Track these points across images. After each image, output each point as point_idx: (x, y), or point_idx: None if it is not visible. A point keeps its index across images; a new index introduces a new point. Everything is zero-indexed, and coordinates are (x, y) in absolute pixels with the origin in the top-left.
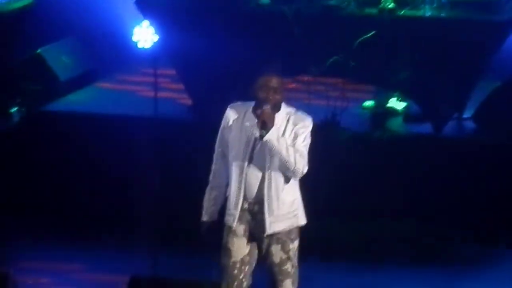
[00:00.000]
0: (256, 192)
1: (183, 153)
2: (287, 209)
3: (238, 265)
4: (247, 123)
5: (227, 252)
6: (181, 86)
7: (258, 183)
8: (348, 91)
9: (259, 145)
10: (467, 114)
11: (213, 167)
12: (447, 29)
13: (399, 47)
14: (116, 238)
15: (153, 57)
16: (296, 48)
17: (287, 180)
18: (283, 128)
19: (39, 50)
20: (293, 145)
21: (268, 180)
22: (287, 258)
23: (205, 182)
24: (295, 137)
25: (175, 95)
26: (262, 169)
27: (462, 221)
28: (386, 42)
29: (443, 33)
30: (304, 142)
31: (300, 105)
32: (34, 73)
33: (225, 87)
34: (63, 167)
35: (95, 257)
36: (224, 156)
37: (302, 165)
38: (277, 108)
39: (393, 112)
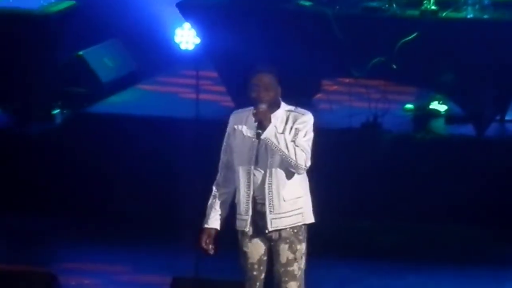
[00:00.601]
0: (262, 193)
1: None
2: (290, 207)
3: (256, 266)
4: (249, 127)
5: (244, 254)
6: (223, 88)
7: (262, 183)
8: (390, 93)
9: (262, 147)
10: (509, 116)
11: (218, 176)
12: (490, 31)
13: (441, 49)
14: (158, 239)
15: (195, 59)
16: (338, 49)
17: (289, 177)
18: (283, 126)
19: (81, 52)
20: (294, 140)
21: (269, 177)
22: (294, 258)
23: None
24: (296, 133)
25: (218, 98)
26: (264, 168)
27: (504, 223)
28: (428, 44)
29: (486, 34)
30: (305, 137)
31: (341, 107)
32: (76, 75)
33: None
34: (106, 168)
35: (138, 258)
36: (229, 165)
37: (303, 160)
38: (274, 106)
39: (435, 114)
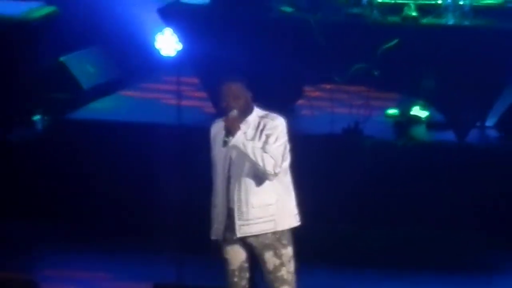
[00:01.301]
0: (233, 199)
1: (207, 161)
2: (260, 213)
3: (237, 273)
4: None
5: (225, 261)
6: (204, 94)
7: (233, 190)
8: (371, 99)
9: (234, 155)
10: (490, 122)
11: (213, 186)
12: (470, 37)
13: (422, 55)
14: (140, 245)
15: (177, 65)
16: (319, 56)
17: (259, 184)
18: (254, 132)
19: (62, 58)
20: (264, 146)
21: (238, 184)
22: (280, 264)
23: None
24: (266, 139)
25: (199, 103)
26: (236, 175)
27: (485, 228)
28: (409, 50)
29: (466, 41)
30: (275, 143)
31: (323, 113)
32: (58, 82)
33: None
34: (87, 174)
35: (119, 265)
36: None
37: (271, 166)
38: (247, 112)
39: (416, 120)
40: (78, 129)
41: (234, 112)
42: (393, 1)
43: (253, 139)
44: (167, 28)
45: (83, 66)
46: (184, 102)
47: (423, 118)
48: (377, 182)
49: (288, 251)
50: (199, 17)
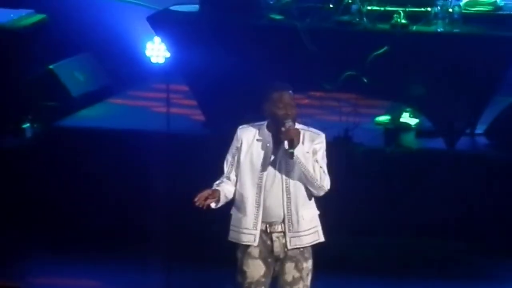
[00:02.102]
0: (276, 211)
1: (197, 168)
2: (307, 225)
3: (253, 286)
4: (265, 143)
5: (243, 273)
6: (194, 102)
7: (278, 203)
8: (361, 106)
9: (276, 165)
10: (479, 129)
11: (238, 191)
12: (460, 45)
13: (411, 62)
14: (129, 254)
15: (166, 73)
16: (309, 63)
17: (306, 196)
18: (301, 147)
19: (51, 66)
20: (315, 161)
21: (287, 196)
22: (299, 277)
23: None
24: (314, 153)
25: (188, 111)
26: (280, 186)
27: (474, 235)
28: (398, 57)
29: (456, 48)
30: (324, 158)
31: (313, 121)
32: (47, 89)
33: (238, 103)
34: (76, 182)
35: (108, 274)
36: (231, 178)
37: (327, 182)
38: (294, 124)
39: (406, 127)
40: (68, 136)
41: (290, 123)
42: (382, 9)
43: (303, 155)
44: (156, 36)
45: (72, 74)
46: (173, 110)
47: (413, 125)
48: (366, 190)
49: (308, 265)
50: (188, 24)
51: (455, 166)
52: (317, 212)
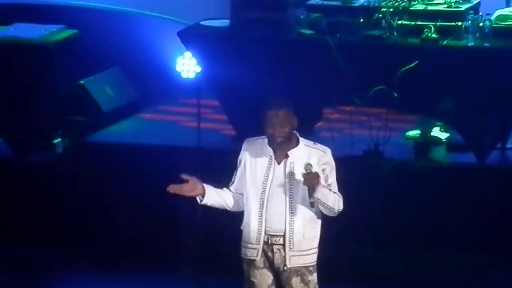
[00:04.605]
0: (278, 225)
1: (227, 183)
2: (308, 245)
3: None
4: (267, 158)
5: (251, 284)
6: (224, 116)
7: (279, 217)
8: (391, 121)
9: (279, 180)
10: (510, 144)
11: (245, 206)
12: (490, 59)
13: (442, 76)
14: (157, 269)
15: (196, 88)
16: (339, 78)
17: (312, 215)
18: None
19: (82, 81)
20: (328, 185)
21: (291, 214)
22: None
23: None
24: (325, 175)
25: (219, 126)
26: (283, 201)
27: (505, 250)
28: (429, 71)
29: (486, 62)
30: (334, 180)
31: (343, 135)
32: (77, 104)
33: None
34: (107, 198)
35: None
36: (238, 191)
37: (341, 205)
38: (292, 141)
39: (436, 141)
40: (98, 152)
41: (310, 166)
42: (413, 23)
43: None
44: (187, 51)
45: (103, 89)
46: (204, 125)
47: (443, 139)
48: (397, 205)
49: (314, 278)
50: (218, 39)
51: (486, 180)
52: (319, 234)
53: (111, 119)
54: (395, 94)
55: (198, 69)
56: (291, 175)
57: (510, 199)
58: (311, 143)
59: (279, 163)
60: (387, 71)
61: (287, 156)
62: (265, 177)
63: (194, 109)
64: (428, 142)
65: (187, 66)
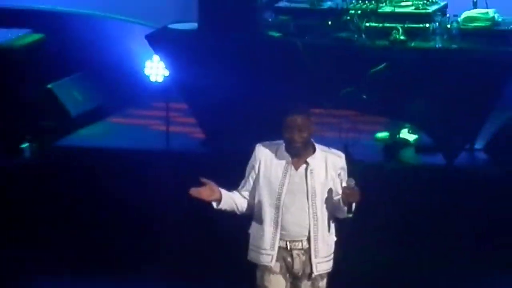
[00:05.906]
0: (298, 230)
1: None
2: (330, 251)
3: None
4: (283, 163)
5: None
6: (193, 120)
7: (299, 222)
8: (360, 123)
9: (297, 186)
10: (479, 145)
11: (256, 210)
12: (458, 60)
13: (410, 78)
14: (126, 272)
15: (165, 91)
16: (308, 80)
17: (331, 222)
18: (324, 170)
19: (50, 86)
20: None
21: (314, 220)
22: None
23: (220, 217)
24: (341, 178)
25: (187, 129)
26: (303, 208)
27: (474, 250)
28: (397, 73)
29: (454, 64)
30: None
31: (312, 138)
32: (45, 109)
33: (237, 120)
34: (75, 202)
35: None
36: (248, 195)
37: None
38: (309, 147)
39: (405, 143)
40: (67, 156)
41: (351, 181)
42: (381, 25)
43: (325, 178)
44: (155, 54)
45: (71, 93)
46: (172, 128)
47: (412, 141)
48: (366, 206)
49: (324, 283)
50: (186, 43)
51: (454, 181)
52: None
53: (79, 123)
54: (364, 96)
55: (167, 72)
56: (312, 182)
57: (479, 200)
58: (325, 148)
59: (296, 169)
60: (356, 73)
61: (306, 163)
62: (281, 183)
63: (163, 112)
64: (397, 144)
65: (156, 69)
